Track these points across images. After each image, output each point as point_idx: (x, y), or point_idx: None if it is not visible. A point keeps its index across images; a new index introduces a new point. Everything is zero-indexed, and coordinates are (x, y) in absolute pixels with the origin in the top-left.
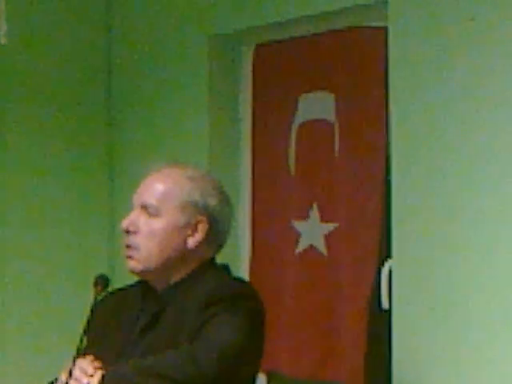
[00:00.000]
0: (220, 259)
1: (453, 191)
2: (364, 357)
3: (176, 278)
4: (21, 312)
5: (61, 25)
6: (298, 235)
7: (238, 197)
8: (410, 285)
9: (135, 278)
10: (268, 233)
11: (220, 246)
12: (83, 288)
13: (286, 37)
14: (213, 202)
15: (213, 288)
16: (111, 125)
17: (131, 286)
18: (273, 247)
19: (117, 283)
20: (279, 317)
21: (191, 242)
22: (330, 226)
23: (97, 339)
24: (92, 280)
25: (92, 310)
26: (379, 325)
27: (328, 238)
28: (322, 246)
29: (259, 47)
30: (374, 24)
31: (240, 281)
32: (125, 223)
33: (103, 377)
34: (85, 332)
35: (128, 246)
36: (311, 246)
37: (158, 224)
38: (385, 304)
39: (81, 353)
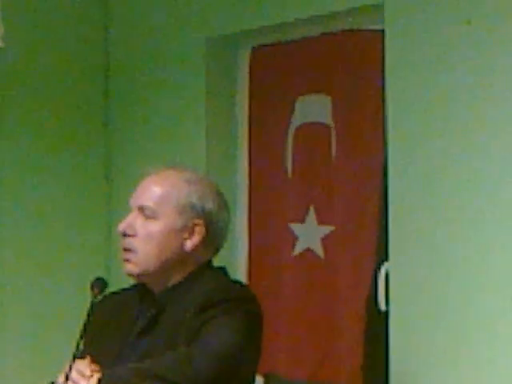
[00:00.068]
0: (217, 262)
1: (450, 194)
2: (362, 358)
3: (173, 280)
4: (18, 314)
5: (58, 27)
6: (295, 238)
7: (235, 199)
8: (407, 287)
9: (132, 281)
10: (265, 235)
11: (217, 249)
12: (80, 291)
13: (283, 39)
14: (210, 205)
15: (210, 290)
16: (108, 127)
17: (128, 288)
18: (270, 250)
19: (114, 286)
20: (277, 319)
21: (188, 244)
22: (327, 229)
23: (94, 342)
24: (89, 283)
25: (89, 313)
26: (377, 326)
27: (325, 240)
28: (319, 249)
29: (256, 50)
30: (370, 27)
31: (237, 283)
32: (122, 226)
33: (100, 379)
34: (82, 335)
35: (125, 249)
36: (308, 249)
37: (156, 227)
38: (382, 306)
39: (78, 355)
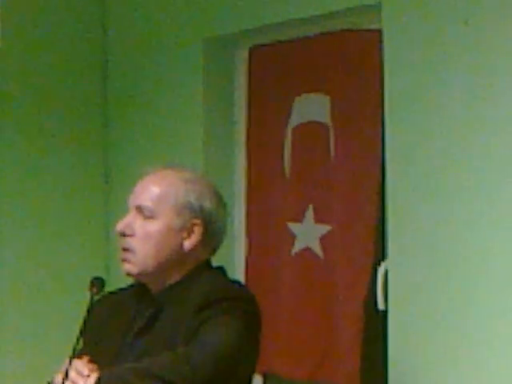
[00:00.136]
0: (216, 261)
1: (448, 193)
2: (360, 358)
3: (171, 280)
4: (17, 314)
5: (56, 26)
6: (293, 237)
7: (234, 199)
8: (405, 286)
9: (131, 281)
10: (263, 235)
11: (215, 249)
12: (79, 290)
13: (281, 39)
14: (208, 204)
15: (208, 290)
16: (107, 127)
17: (126, 288)
18: (268, 249)
19: (112, 286)
20: (275, 319)
21: (187, 244)
22: (326, 228)
23: (93, 342)
24: (88, 282)
25: (88, 312)
26: (375, 326)
27: (323, 239)
28: (317, 248)
29: (254, 49)
30: (368, 27)
31: (235, 283)
32: (120, 226)
33: (99, 378)
34: (81, 334)
35: (123, 249)
36: (307, 248)
37: (154, 226)
38: (381, 305)
39: (76, 354)
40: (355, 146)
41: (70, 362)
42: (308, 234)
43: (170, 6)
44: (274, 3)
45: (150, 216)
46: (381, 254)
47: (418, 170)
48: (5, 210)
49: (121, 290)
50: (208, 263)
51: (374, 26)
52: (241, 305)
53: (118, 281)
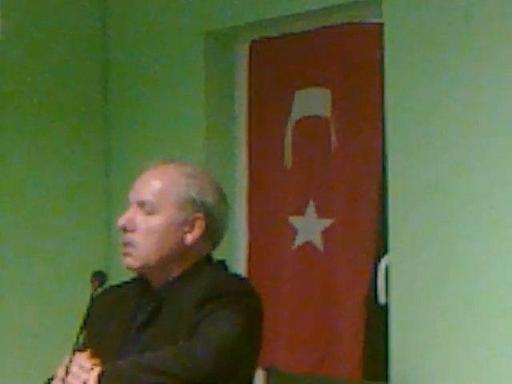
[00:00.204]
0: (217, 255)
1: (450, 188)
2: (362, 352)
3: (173, 274)
4: (18, 309)
5: (57, 21)
6: (294, 231)
7: (235, 193)
8: (406, 280)
9: (132, 274)
10: (264, 229)
11: (217, 242)
12: (80, 284)
13: (282, 33)
14: (210, 198)
15: (210, 284)
16: (108, 122)
17: (128, 282)
18: (269, 243)
19: (114, 279)
20: (277, 312)
21: (189, 238)
22: (327, 222)
23: (94, 336)
24: (89, 276)
25: (89, 307)
26: (376, 320)
27: (324, 233)
28: (318, 242)
29: (255, 43)
30: (369, 20)
31: (237, 277)
32: (121, 221)
33: (102, 372)
34: (82, 328)
35: (125, 244)
36: (308, 242)
37: (156, 221)
38: (382, 299)
39: (78, 349)
40: (356, 139)
41: (72, 356)
42: (309, 228)
43: (171, 0)
44: None
45: (152, 211)
46: (382, 249)
47: (419, 164)
48: (6, 204)
49: (122, 283)
50: (209, 257)
51: (374, 20)
52: (242, 299)
53: (119, 275)
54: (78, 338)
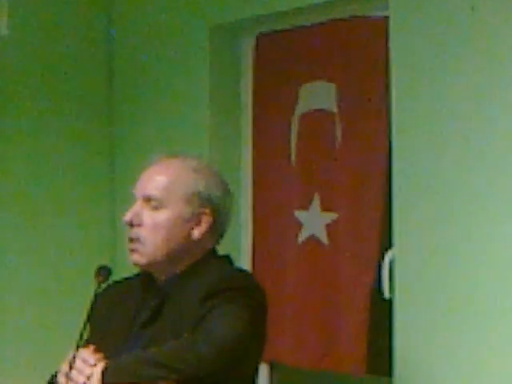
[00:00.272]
0: (221, 250)
1: (455, 181)
2: (366, 346)
3: (178, 269)
4: (22, 303)
5: (62, 17)
6: (299, 225)
7: (240, 187)
8: (411, 274)
9: (137, 269)
10: (269, 223)
11: (221, 236)
12: (85, 279)
13: (287, 27)
14: (216, 193)
15: (215, 279)
16: (112, 117)
17: (132, 277)
18: (274, 237)
19: (118, 274)
20: (281, 307)
21: (195, 233)
22: (332, 216)
23: (98, 331)
24: (94, 271)
25: (93, 301)
26: (381, 314)
27: (329, 227)
28: (323, 236)
29: (260, 37)
30: (375, 14)
31: (242, 272)
32: (128, 216)
33: (105, 368)
34: (86, 323)
35: (131, 239)
36: (313, 236)
37: (163, 216)
38: (386, 293)
39: (82, 344)
40: (361, 133)
41: (76, 351)
42: (314, 222)
43: None
44: None
45: (159, 206)
46: (387, 243)
47: (425, 157)
48: (11, 200)
49: (126, 279)
50: (214, 252)
51: (380, 13)
52: (247, 294)
53: (123, 269)
54: (81, 334)
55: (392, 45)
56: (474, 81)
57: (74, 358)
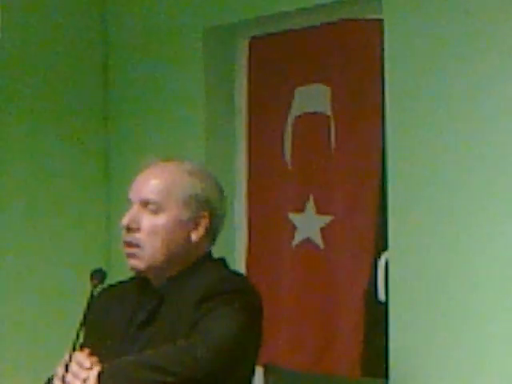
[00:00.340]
0: (216, 252)
1: (449, 184)
2: (361, 348)
3: (174, 271)
4: (17, 306)
5: (56, 18)
6: (294, 228)
7: (235, 190)
8: (406, 277)
9: (132, 273)
10: (264, 226)
11: (215, 239)
12: (80, 282)
13: (282, 29)
14: (213, 196)
15: (210, 282)
16: (107, 118)
17: (127, 281)
18: (269, 240)
19: (113, 277)
20: (276, 310)
21: (194, 236)
22: (327, 219)
23: (94, 334)
24: (88, 274)
25: (89, 304)
26: (376, 316)
27: (324, 230)
28: (318, 239)
29: (254, 40)
30: (369, 16)
31: (237, 275)
32: (125, 220)
33: (101, 371)
34: (82, 326)
35: (129, 244)
36: (307, 239)
37: (162, 220)
38: (381, 296)
39: (77, 347)
40: (356, 136)
41: (71, 354)
42: (309, 224)
43: None
44: None
45: (157, 209)
46: (382, 245)
47: (419, 160)
48: (5, 202)
49: (121, 282)
50: (210, 254)
51: (374, 16)
52: (242, 296)
53: (119, 273)
54: (77, 336)
55: (386, 47)
56: (468, 83)
57: (70, 361)
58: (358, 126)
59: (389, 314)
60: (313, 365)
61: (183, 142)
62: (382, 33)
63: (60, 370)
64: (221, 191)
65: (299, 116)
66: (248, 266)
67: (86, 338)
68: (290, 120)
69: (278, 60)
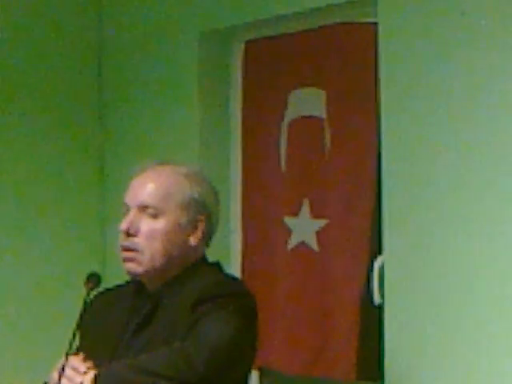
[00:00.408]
0: (211, 256)
1: (445, 187)
2: (356, 352)
3: (170, 275)
4: (13, 310)
5: (51, 20)
6: (289, 231)
7: (229, 193)
8: (401, 280)
9: (127, 277)
10: (259, 229)
11: (209, 243)
12: (75, 286)
13: (277, 33)
14: (209, 199)
15: (205, 286)
16: (102, 120)
17: (122, 285)
18: (264, 244)
19: (108, 281)
20: (271, 313)
21: (192, 240)
22: (322, 222)
23: (89, 338)
24: (84, 278)
25: (84, 309)
26: (371, 320)
27: (319, 234)
28: (313, 243)
29: (249, 43)
30: (364, 20)
31: (232, 278)
32: (124, 225)
33: (96, 375)
34: (77, 330)
35: (127, 249)
36: (303, 243)
37: (160, 224)
38: (376, 299)
39: (72, 352)
40: (351, 140)
41: (66, 358)
42: (304, 228)
43: (166, 0)
44: None
45: (156, 214)
46: (377, 249)
47: (414, 163)
48: (0, 205)
49: (117, 286)
50: (205, 258)
51: (369, 19)
52: (237, 300)
53: (114, 277)
54: (72, 340)
55: (381, 51)
56: (464, 85)
57: (64, 366)
58: (353, 129)
59: (384, 317)
60: (308, 368)
61: (178, 144)
62: (376, 36)
63: (55, 375)
64: (215, 194)
65: (294, 119)
66: (243, 270)
67: (81, 341)
68: (285, 123)
69: (273, 63)
